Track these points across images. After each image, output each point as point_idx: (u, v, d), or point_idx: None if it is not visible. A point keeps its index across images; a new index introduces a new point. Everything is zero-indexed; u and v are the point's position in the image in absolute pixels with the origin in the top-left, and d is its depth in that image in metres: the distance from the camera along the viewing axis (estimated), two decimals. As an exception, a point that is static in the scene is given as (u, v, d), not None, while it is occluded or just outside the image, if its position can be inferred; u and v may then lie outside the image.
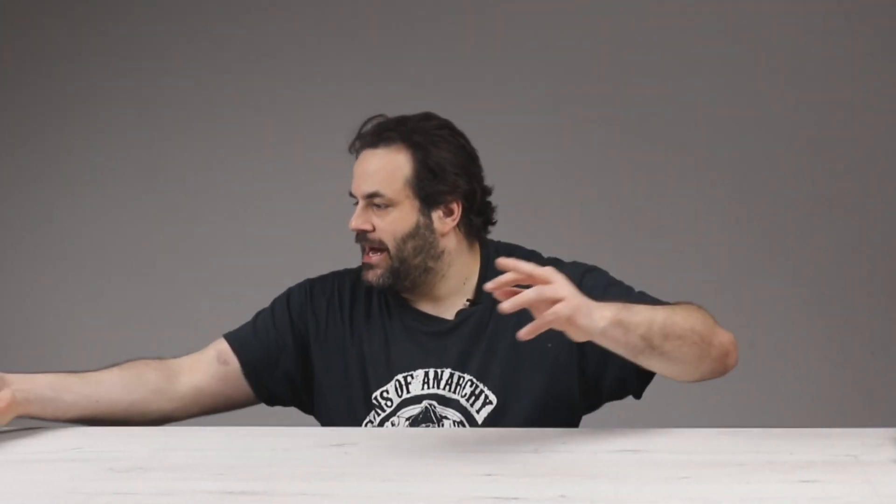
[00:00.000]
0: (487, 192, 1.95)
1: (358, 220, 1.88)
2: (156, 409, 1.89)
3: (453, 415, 1.85)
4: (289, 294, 2.00)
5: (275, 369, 1.95)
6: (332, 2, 3.72)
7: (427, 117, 1.95)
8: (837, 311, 3.53)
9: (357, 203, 1.90)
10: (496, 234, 2.02)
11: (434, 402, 1.86)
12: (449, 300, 1.93)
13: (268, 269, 3.66)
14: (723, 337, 1.75)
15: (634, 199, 3.59)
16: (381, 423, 1.87)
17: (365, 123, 1.95)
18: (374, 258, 1.88)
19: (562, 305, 1.52)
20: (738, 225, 3.57)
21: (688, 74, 3.56)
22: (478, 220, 1.94)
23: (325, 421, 1.95)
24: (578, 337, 1.57)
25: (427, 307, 1.93)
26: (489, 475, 1.48)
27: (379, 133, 1.90)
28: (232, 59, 3.75)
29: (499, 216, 1.99)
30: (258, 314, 2.01)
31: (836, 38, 3.53)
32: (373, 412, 1.88)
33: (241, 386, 1.94)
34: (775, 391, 3.49)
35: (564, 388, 1.86)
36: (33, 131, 3.85)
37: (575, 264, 1.94)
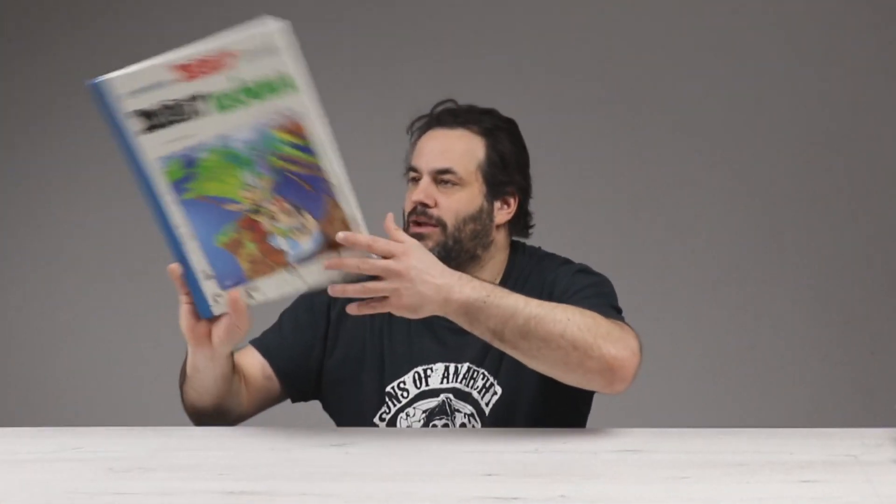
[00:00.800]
0: (529, 195, 2.00)
1: (422, 194, 1.88)
2: (234, 410, 1.87)
3: (464, 407, 1.87)
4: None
5: (306, 370, 1.95)
6: (332, 2, 3.72)
7: (493, 111, 1.98)
8: (837, 311, 3.53)
9: (413, 178, 1.91)
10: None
11: (451, 396, 1.88)
12: None
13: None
14: (609, 352, 1.64)
15: (634, 199, 3.60)
16: (395, 414, 1.89)
17: (435, 106, 1.97)
18: (427, 230, 1.88)
19: (395, 282, 1.56)
20: (739, 225, 3.57)
21: (690, 75, 3.57)
22: (523, 220, 1.98)
23: (336, 411, 1.96)
24: (404, 315, 1.60)
25: None
26: (489, 475, 1.48)
27: (455, 115, 1.93)
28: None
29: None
30: (282, 317, 2.00)
31: (837, 39, 3.53)
32: (388, 403, 1.89)
33: (275, 392, 1.94)
34: (775, 391, 3.50)
35: (550, 384, 1.86)
36: (33, 131, 3.86)
37: (570, 264, 1.97)
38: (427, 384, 1.89)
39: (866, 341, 3.52)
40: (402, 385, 1.90)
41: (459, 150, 1.91)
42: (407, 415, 1.88)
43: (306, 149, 1.54)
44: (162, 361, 3.76)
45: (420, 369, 1.90)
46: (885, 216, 3.51)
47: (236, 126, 1.52)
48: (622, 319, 1.77)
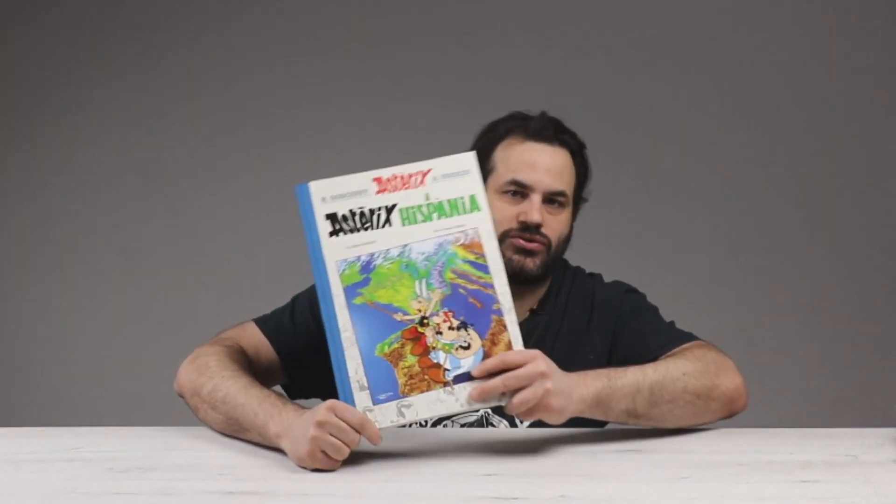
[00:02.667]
0: None
1: (538, 214, 1.87)
2: None
3: (498, 421, 1.85)
4: None
5: (313, 364, 1.85)
6: (331, 2, 3.72)
7: (566, 127, 1.98)
8: (837, 311, 3.53)
9: (515, 192, 1.88)
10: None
11: (489, 410, 1.86)
12: (516, 307, 1.92)
13: (268, 269, 3.67)
14: (726, 386, 1.71)
15: (634, 198, 3.60)
16: (433, 426, 1.85)
17: (522, 115, 1.96)
18: (536, 247, 1.88)
19: (543, 383, 1.52)
20: (738, 225, 3.57)
21: (690, 75, 3.57)
22: None
23: None
24: (553, 420, 1.56)
25: None
26: (489, 475, 1.48)
27: (557, 132, 1.92)
28: (234, 60, 3.75)
29: None
30: (295, 301, 1.96)
31: (838, 39, 3.53)
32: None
33: (274, 379, 1.90)
34: (775, 391, 3.49)
35: None
36: (33, 131, 3.86)
37: (617, 283, 1.99)
38: None
39: (866, 341, 3.52)
40: None
41: (568, 171, 1.92)
42: (444, 426, 1.85)
43: (482, 266, 1.58)
44: (162, 361, 3.75)
45: None
46: (886, 216, 3.51)
47: (418, 238, 1.59)
48: (692, 335, 1.85)
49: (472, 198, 1.60)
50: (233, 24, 3.75)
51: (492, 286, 1.58)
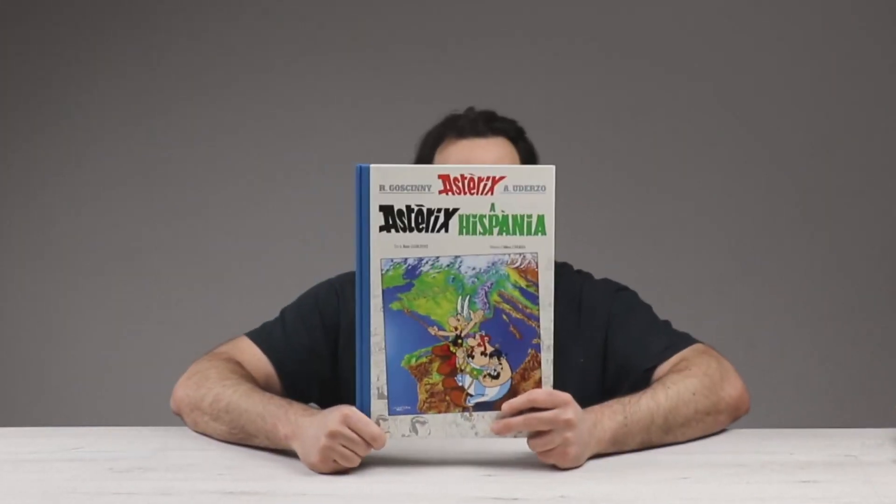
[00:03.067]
0: None
1: None
2: None
3: None
4: (316, 294, 1.95)
5: (308, 371, 1.90)
6: (330, 3, 3.72)
7: (503, 117, 1.96)
8: (837, 311, 3.53)
9: None
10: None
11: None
12: None
13: (268, 269, 3.67)
14: (731, 395, 1.70)
15: (634, 198, 3.59)
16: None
17: (452, 117, 1.95)
18: None
19: (564, 432, 1.50)
20: (738, 225, 3.57)
21: (690, 74, 3.56)
22: None
23: None
24: (566, 465, 1.53)
25: None
26: (489, 475, 1.48)
27: (487, 123, 1.91)
28: (235, 60, 3.74)
29: None
30: (284, 313, 1.95)
31: (838, 39, 3.53)
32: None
33: (274, 387, 1.89)
34: (775, 391, 3.49)
35: (587, 402, 1.85)
36: (32, 131, 3.85)
37: (606, 281, 1.97)
38: None
39: (866, 341, 3.52)
40: None
41: (507, 159, 1.89)
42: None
43: (532, 296, 1.50)
44: (162, 361, 3.75)
45: None
46: (886, 216, 3.51)
47: (472, 251, 1.49)
48: (689, 336, 1.83)
49: (541, 218, 1.50)
50: (234, 25, 3.74)
51: (537, 319, 1.50)
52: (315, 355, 1.90)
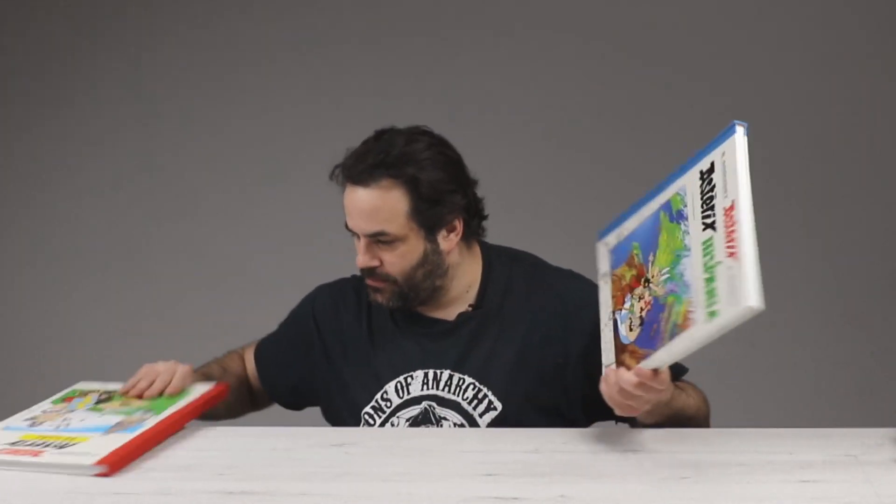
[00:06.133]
0: (475, 192, 1.93)
1: (365, 258, 1.84)
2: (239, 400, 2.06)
3: (453, 416, 1.85)
4: (313, 301, 2.04)
5: (287, 383, 2.04)
6: (329, 2, 3.72)
7: (410, 139, 1.84)
8: (837, 311, 3.53)
9: (356, 236, 1.86)
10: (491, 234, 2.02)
11: (433, 403, 1.86)
12: (452, 306, 1.93)
13: (269, 269, 3.67)
14: (707, 419, 1.84)
15: (634, 197, 3.59)
16: (381, 425, 1.87)
17: (349, 155, 1.86)
18: (381, 285, 1.87)
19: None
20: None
21: (689, 74, 3.57)
22: (475, 222, 1.92)
23: (335, 423, 1.97)
24: (629, 412, 1.63)
25: (430, 311, 1.93)
26: (489, 475, 1.48)
27: (367, 170, 1.81)
28: (237, 61, 3.75)
29: (490, 217, 1.98)
30: (280, 326, 2.10)
31: (837, 39, 3.53)
32: (374, 414, 1.89)
33: (264, 398, 2.10)
34: (775, 391, 3.50)
35: (566, 403, 1.86)
36: (31, 131, 3.86)
37: (593, 284, 1.96)
38: (408, 392, 1.88)
39: (866, 341, 3.52)
40: (385, 395, 1.89)
41: (384, 209, 1.81)
42: (392, 424, 1.86)
43: (673, 335, 1.54)
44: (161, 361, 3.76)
45: (402, 378, 1.89)
46: (886, 216, 3.51)
47: (695, 265, 1.51)
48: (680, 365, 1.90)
49: (715, 314, 1.45)
50: (234, 24, 3.75)
51: (663, 345, 1.53)
52: (292, 367, 2.03)
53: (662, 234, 1.59)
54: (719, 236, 1.46)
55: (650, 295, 1.58)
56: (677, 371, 1.85)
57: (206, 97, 3.76)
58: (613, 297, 1.65)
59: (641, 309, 1.59)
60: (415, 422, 1.86)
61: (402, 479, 1.47)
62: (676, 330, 1.50)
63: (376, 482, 1.46)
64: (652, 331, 1.55)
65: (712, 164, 1.53)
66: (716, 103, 3.56)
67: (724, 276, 1.43)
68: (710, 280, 1.46)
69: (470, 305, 1.92)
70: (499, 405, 1.84)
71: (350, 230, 1.86)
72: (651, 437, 1.67)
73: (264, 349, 2.07)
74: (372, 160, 1.81)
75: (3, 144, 3.87)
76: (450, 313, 1.92)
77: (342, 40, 3.70)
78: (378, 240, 1.83)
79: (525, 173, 3.49)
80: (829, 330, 3.53)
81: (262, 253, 3.70)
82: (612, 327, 1.64)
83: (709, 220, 1.50)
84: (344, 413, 1.92)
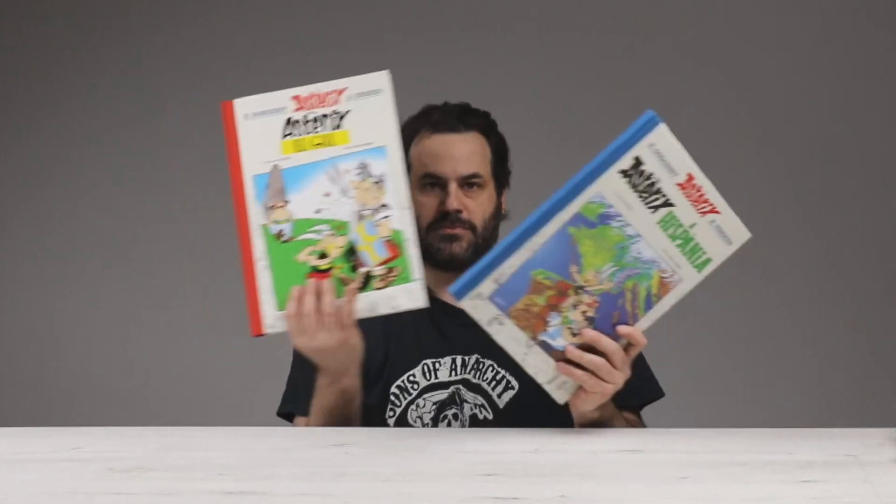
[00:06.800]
0: None
1: (456, 202, 1.93)
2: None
3: (474, 398, 1.91)
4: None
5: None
6: (330, 1, 3.72)
7: (476, 109, 2.02)
8: (837, 311, 3.53)
9: (429, 184, 1.95)
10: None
11: (461, 387, 1.92)
12: None
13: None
14: None
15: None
16: (406, 407, 1.91)
17: (427, 110, 2.02)
18: (460, 231, 1.94)
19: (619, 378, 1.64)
20: (738, 225, 3.57)
21: (689, 74, 3.57)
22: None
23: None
24: (582, 404, 1.66)
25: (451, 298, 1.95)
26: (489, 475, 1.48)
27: (460, 119, 1.97)
28: (236, 57, 3.75)
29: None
30: (290, 375, 2.06)
31: (836, 38, 3.53)
32: (399, 397, 1.92)
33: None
34: (775, 391, 3.50)
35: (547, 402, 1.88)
36: (30, 131, 3.86)
37: None
38: (436, 377, 1.93)
39: (866, 341, 3.52)
40: (411, 378, 1.93)
41: (477, 153, 1.97)
42: (417, 406, 1.91)
43: (650, 305, 1.63)
44: (162, 361, 3.76)
45: (429, 362, 1.94)
46: (886, 216, 3.51)
47: (652, 242, 1.62)
48: (652, 384, 1.98)
49: (708, 261, 1.64)
50: (235, 23, 3.75)
51: (636, 321, 1.63)
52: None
53: (583, 243, 1.61)
54: (682, 207, 1.61)
55: (592, 296, 1.62)
56: (649, 394, 1.94)
57: (206, 96, 3.76)
58: (524, 327, 1.62)
59: (584, 312, 1.63)
60: (442, 405, 1.91)
61: (402, 479, 1.47)
62: (654, 298, 1.62)
63: (376, 482, 1.46)
64: (614, 318, 1.62)
65: (637, 159, 1.61)
66: (715, 102, 3.56)
67: (707, 229, 1.62)
68: (685, 242, 1.62)
69: None
70: (516, 384, 1.91)
71: (431, 177, 1.93)
72: (651, 436, 1.67)
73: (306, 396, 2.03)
74: (460, 112, 1.99)
75: (4, 144, 3.87)
76: None
77: (342, 39, 3.70)
78: (469, 182, 1.94)
79: (525, 174, 3.49)
80: (829, 330, 3.53)
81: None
82: (540, 349, 1.64)
83: (658, 202, 1.61)
84: (377, 389, 1.93)
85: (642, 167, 1.61)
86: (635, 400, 1.90)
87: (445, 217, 1.94)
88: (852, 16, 3.52)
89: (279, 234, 1.74)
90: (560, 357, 1.63)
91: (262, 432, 1.75)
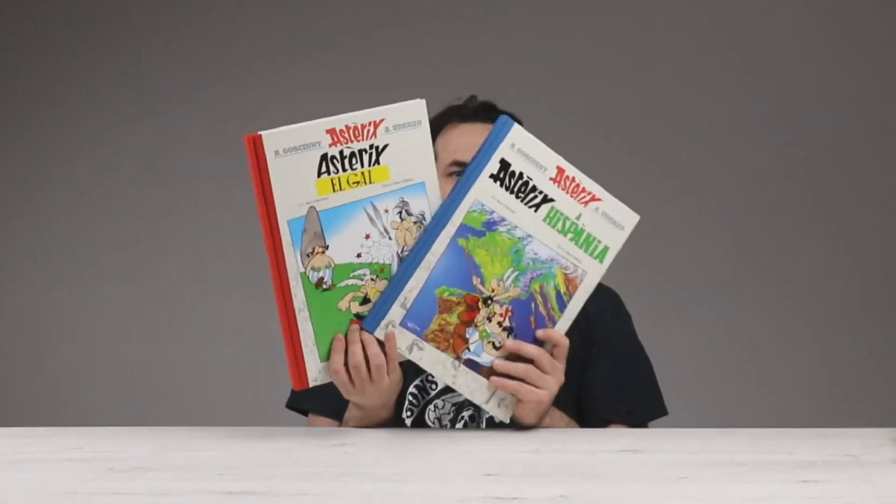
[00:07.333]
0: None
1: None
2: None
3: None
4: None
5: None
6: (329, 1, 3.72)
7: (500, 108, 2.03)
8: (837, 311, 3.53)
9: (457, 172, 1.92)
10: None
11: None
12: None
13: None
14: None
15: (635, 198, 3.59)
16: (423, 407, 1.91)
17: (458, 105, 2.02)
18: None
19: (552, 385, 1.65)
20: (738, 225, 3.57)
21: (688, 74, 3.57)
22: None
23: None
24: (525, 416, 1.68)
25: None
26: (489, 475, 1.48)
27: (489, 112, 1.97)
28: (236, 56, 3.75)
29: None
30: None
31: (836, 38, 3.53)
32: (417, 397, 1.92)
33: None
34: (775, 391, 3.50)
35: (567, 399, 1.87)
36: (32, 129, 3.86)
37: (613, 297, 2.04)
38: None
39: (866, 341, 3.52)
40: (429, 378, 1.92)
41: None
42: (435, 407, 1.91)
43: (562, 304, 1.66)
44: (162, 361, 3.76)
45: None
46: (885, 216, 3.51)
47: (544, 240, 1.64)
48: (653, 402, 1.95)
49: (607, 250, 1.67)
50: (235, 21, 3.75)
51: (554, 323, 1.65)
52: None
53: (477, 253, 1.62)
54: (562, 200, 1.64)
55: (503, 305, 1.63)
56: (650, 414, 1.93)
57: (206, 94, 3.76)
58: (445, 348, 1.63)
59: (499, 323, 1.64)
60: (460, 406, 1.90)
61: (402, 479, 1.47)
62: (566, 296, 1.65)
63: (376, 482, 1.46)
64: (532, 323, 1.64)
65: (502, 160, 1.62)
66: (715, 102, 3.56)
67: (594, 218, 1.66)
68: (577, 235, 1.65)
69: None
70: None
71: (459, 164, 1.92)
72: (651, 437, 1.67)
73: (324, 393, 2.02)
74: (486, 107, 1.99)
75: (4, 144, 3.87)
76: None
77: (343, 38, 3.70)
78: None
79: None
80: (830, 330, 3.53)
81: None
82: (467, 369, 1.64)
83: (538, 200, 1.63)
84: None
85: (511, 168, 1.62)
86: (634, 418, 1.90)
87: None
88: (853, 14, 3.53)
89: (319, 282, 1.61)
90: (489, 373, 1.63)
91: (262, 432, 1.75)
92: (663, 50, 3.58)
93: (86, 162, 3.82)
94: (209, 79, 3.76)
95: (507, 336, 1.63)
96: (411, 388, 1.92)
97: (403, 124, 1.63)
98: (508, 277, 1.63)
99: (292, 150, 1.58)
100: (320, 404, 1.90)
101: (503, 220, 1.62)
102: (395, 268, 1.63)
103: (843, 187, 3.53)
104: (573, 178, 1.65)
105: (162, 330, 3.73)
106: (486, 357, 1.63)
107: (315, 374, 1.64)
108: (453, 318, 1.62)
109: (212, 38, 3.76)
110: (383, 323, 1.61)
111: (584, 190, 1.66)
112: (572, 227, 1.64)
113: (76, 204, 3.83)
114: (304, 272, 1.60)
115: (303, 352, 1.62)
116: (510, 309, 1.63)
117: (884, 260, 3.51)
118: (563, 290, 1.64)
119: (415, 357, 1.62)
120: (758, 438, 1.65)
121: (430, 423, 1.91)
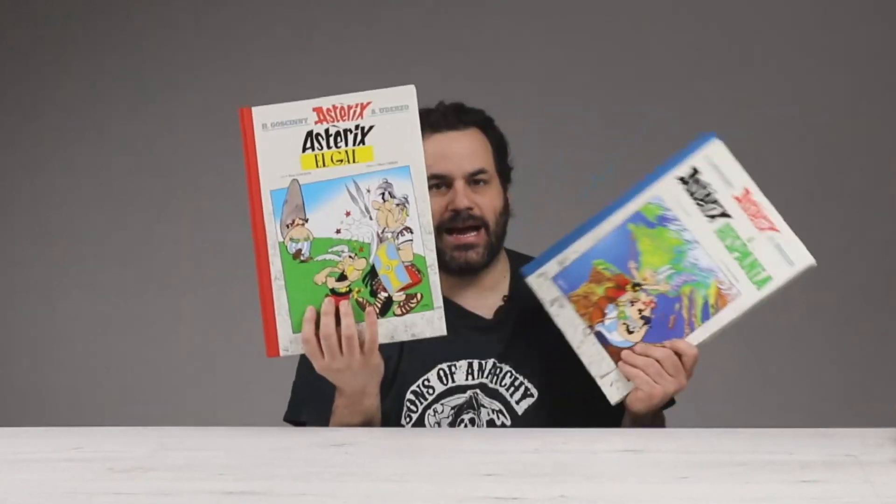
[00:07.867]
0: None
1: (465, 200, 1.91)
2: None
3: (491, 403, 1.90)
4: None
5: None
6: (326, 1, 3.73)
7: (468, 106, 2.01)
8: (837, 311, 3.53)
9: (435, 185, 1.90)
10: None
11: (478, 391, 1.91)
12: (489, 294, 1.96)
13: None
14: None
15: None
16: (423, 412, 1.90)
17: (423, 112, 1.92)
18: (474, 237, 1.92)
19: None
20: (738, 225, 3.57)
21: (687, 75, 3.57)
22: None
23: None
24: (634, 402, 1.76)
25: (468, 302, 1.96)
26: (489, 475, 1.48)
27: (457, 117, 1.95)
28: (237, 55, 3.75)
29: None
30: (295, 382, 2.02)
31: (835, 38, 3.53)
32: (415, 402, 1.91)
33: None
34: (775, 391, 3.50)
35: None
36: (31, 129, 3.86)
37: None
38: (453, 380, 1.91)
39: (866, 341, 3.52)
40: (426, 383, 1.91)
41: (480, 148, 1.95)
42: (434, 411, 1.90)
43: (707, 316, 1.72)
44: (162, 361, 3.76)
45: (444, 366, 1.92)
46: (885, 215, 3.51)
47: (711, 251, 1.71)
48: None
49: (768, 279, 1.71)
50: (235, 20, 3.75)
51: (693, 329, 1.72)
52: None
53: (642, 241, 1.71)
54: (740, 219, 1.70)
55: (649, 295, 1.69)
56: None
57: (207, 90, 3.76)
58: (583, 314, 1.71)
59: (640, 310, 1.70)
60: (459, 409, 1.90)
61: (402, 479, 1.47)
62: (712, 308, 1.70)
63: (376, 482, 1.46)
64: (670, 322, 1.70)
65: (694, 168, 1.72)
66: (715, 102, 3.56)
67: (766, 245, 1.69)
68: (743, 256, 1.69)
69: (504, 297, 1.96)
70: (535, 392, 1.90)
71: (437, 178, 1.90)
72: (651, 437, 1.67)
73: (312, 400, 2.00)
74: (455, 110, 1.96)
75: (3, 144, 3.87)
76: (487, 305, 1.96)
77: (343, 38, 3.70)
78: (475, 179, 1.92)
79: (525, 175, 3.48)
80: (829, 330, 3.53)
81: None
82: (595, 339, 1.71)
83: (715, 212, 1.70)
84: (391, 394, 1.92)
85: (699, 176, 1.70)
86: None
87: (456, 216, 1.90)
88: (853, 14, 3.53)
89: (297, 253, 1.68)
90: (615, 353, 1.70)
91: (262, 432, 1.75)
92: (663, 50, 3.58)
93: (86, 162, 3.82)
94: (210, 73, 3.76)
95: (643, 325, 1.69)
96: (408, 395, 1.91)
97: (391, 108, 1.66)
98: (663, 272, 1.69)
99: (280, 125, 1.66)
100: (318, 418, 1.88)
101: (676, 219, 1.70)
102: (374, 248, 1.66)
103: (843, 187, 3.53)
104: (757, 204, 1.72)
105: (162, 330, 3.73)
106: (617, 337, 1.70)
107: (286, 343, 1.68)
108: (600, 290, 1.70)
109: (214, 34, 3.76)
110: (539, 272, 1.74)
111: (764, 217, 1.71)
112: (741, 248, 1.70)
113: (77, 204, 3.83)
114: (283, 242, 1.67)
115: (276, 320, 1.66)
116: (655, 301, 1.70)
117: (884, 260, 3.51)
118: (711, 301, 1.70)
119: (553, 312, 1.71)
120: (758, 438, 1.65)
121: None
